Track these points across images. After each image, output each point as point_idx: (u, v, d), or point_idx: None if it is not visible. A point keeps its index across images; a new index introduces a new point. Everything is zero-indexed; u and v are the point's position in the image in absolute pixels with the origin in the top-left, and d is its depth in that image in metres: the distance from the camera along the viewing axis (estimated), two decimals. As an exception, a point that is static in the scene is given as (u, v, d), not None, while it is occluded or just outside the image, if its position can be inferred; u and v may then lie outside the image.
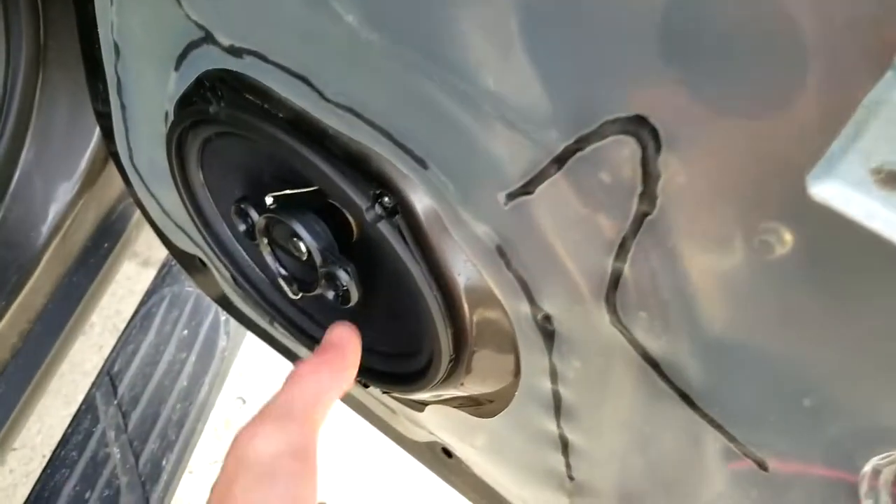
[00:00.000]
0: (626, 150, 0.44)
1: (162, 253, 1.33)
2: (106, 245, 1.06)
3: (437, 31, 0.48)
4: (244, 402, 1.75)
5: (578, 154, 0.46)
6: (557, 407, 0.62)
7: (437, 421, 0.76)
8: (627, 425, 0.59)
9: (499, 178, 0.51)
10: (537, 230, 0.52)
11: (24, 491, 1.08)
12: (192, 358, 1.32)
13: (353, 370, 0.59)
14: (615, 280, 0.50)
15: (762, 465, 0.52)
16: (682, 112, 0.41)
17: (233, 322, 1.38)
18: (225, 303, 1.00)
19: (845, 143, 0.31)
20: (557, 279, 0.54)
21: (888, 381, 0.43)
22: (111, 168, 1.05)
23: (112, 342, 1.21)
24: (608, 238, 0.49)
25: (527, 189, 0.50)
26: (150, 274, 1.25)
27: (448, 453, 0.81)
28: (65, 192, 1.00)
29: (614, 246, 0.49)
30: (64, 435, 1.14)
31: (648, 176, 0.44)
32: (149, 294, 1.29)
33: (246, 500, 0.45)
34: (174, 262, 1.39)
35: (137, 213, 1.13)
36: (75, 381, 1.08)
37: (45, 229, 0.97)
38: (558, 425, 0.63)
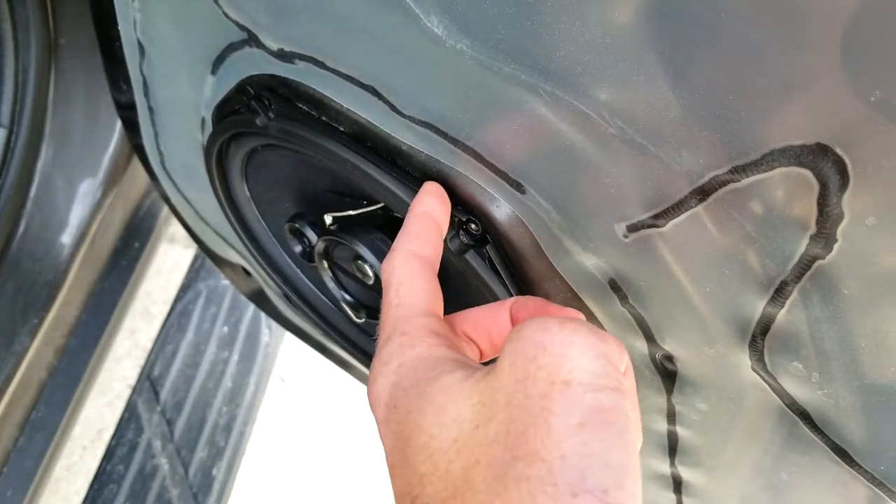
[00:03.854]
0: (797, 186, 0.35)
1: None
2: (136, 245, 0.99)
3: (545, 36, 0.39)
4: (283, 380, 1.70)
5: (731, 186, 0.38)
6: (673, 448, 0.55)
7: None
8: (758, 470, 0.52)
9: (616, 207, 0.43)
10: (664, 266, 0.44)
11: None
12: (235, 357, 1.25)
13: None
14: (765, 326, 0.42)
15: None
16: (884, 143, 0.32)
17: (275, 316, 1.31)
18: (262, 301, 0.93)
19: None
20: (686, 320, 0.46)
21: None
22: (137, 161, 0.97)
23: (149, 343, 1.15)
24: (760, 280, 0.40)
25: (656, 222, 0.42)
26: (185, 262, 1.18)
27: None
28: (89, 192, 0.92)
29: (768, 290, 0.40)
30: (108, 448, 1.09)
31: (826, 217, 0.35)
32: (184, 289, 1.22)
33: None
34: (208, 253, 1.32)
35: (166, 208, 1.05)
36: (114, 388, 1.02)
37: (71, 236, 0.90)
38: (672, 464, 0.56)
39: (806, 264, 0.38)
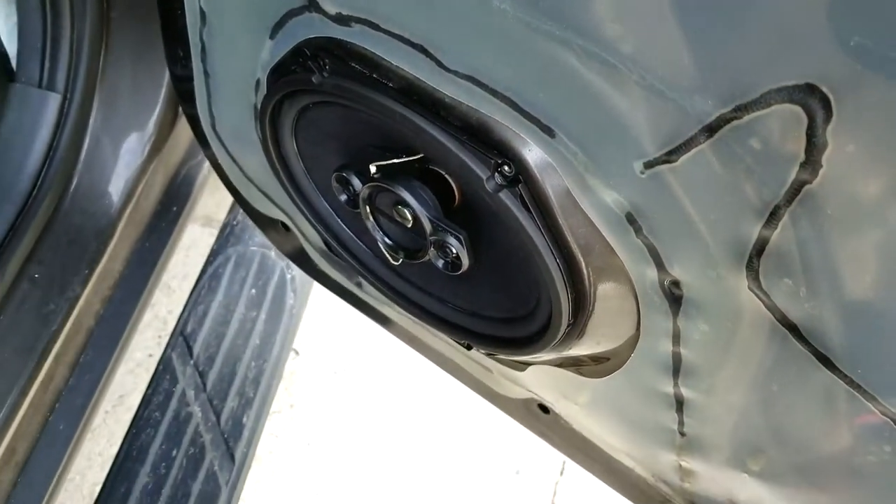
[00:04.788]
0: (790, 120, 0.42)
1: (221, 214, 1.33)
2: (175, 208, 1.06)
3: (579, -3, 0.46)
4: (297, 353, 1.78)
5: (734, 123, 0.45)
6: (677, 368, 0.62)
7: (537, 379, 0.76)
8: (752, 384, 0.59)
9: (635, 146, 0.50)
10: (675, 198, 0.51)
11: (112, 451, 1.11)
12: (263, 316, 1.34)
13: None
14: (760, 247, 0.49)
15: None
16: (861, 80, 0.39)
17: (299, 279, 1.39)
18: (302, 259, 1.00)
19: None
20: (692, 246, 0.53)
21: None
22: (177, 130, 1.04)
23: (181, 304, 1.23)
24: (756, 206, 0.48)
25: (669, 158, 0.49)
26: (212, 234, 1.26)
27: (544, 409, 0.82)
28: (134, 156, 0.99)
29: (763, 214, 0.47)
30: (145, 396, 1.17)
31: (814, 146, 0.43)
32: (214, 255, 1.30)
33: None
34: (236, 221, 1.40)
35: (202, 175, 1.12)
36: (136, 357, 1.09)
37: (117, 195, 0.97)
38: (675, 385, 0.64)
39: (796, 189, 0.45)
